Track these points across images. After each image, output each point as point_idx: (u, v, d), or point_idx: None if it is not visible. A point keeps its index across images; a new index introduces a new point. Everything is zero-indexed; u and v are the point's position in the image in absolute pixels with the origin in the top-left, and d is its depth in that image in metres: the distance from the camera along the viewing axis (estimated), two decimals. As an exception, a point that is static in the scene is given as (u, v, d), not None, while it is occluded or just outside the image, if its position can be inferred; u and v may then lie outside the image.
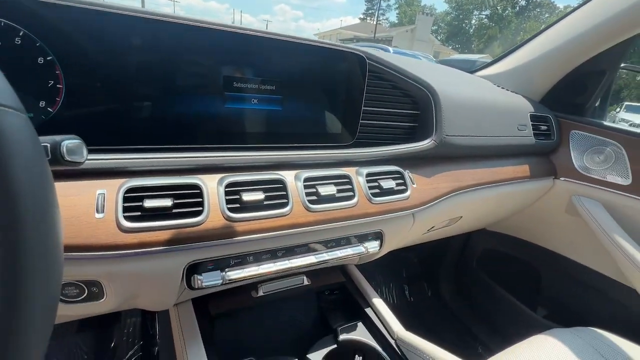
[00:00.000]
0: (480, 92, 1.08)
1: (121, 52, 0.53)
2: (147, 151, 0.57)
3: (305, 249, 0.68)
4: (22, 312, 0.23)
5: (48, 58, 0.50)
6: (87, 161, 0.53)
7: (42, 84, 0.50)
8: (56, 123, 0.52)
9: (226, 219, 0.57)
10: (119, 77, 0.54)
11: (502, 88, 1.24)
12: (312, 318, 0.84)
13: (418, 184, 0.82)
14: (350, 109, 0.78)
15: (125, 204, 0.51)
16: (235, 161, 0.63)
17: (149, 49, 0.55)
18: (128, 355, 1.18)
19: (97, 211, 0.50)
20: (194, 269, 0.57)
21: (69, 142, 0.33)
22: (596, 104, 1.25)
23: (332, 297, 0.86)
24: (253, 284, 0.75)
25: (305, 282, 0.79)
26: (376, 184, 0.74)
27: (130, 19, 0.53)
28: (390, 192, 0.75)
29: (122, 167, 0.54)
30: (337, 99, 0.76)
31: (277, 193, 0.63)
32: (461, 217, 1.04)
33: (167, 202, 0.53)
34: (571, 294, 1.29)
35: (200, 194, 0.56)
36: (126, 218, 0.50)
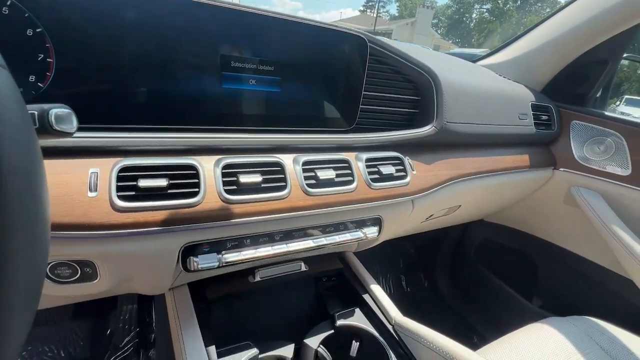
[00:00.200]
0: (482, 80, 1.06)
1: (115, 26, 0.51)
2: (141, 130, 0.55)
3: (303, 233, 0.67)
4: (2, 293, 0.21)
5: (37, 30, 0.48)
6: (79, 139, 0.52)
7: (32, 58, 0.48)
8: (47, 99, 0.50)
9: (223, 201, 0.56)
10: (113, 53, 0.52)
11: (504, 77, 1.22)
12: (309, 304, 0.84)
13: (418, 171, 0.81)
14: (350, 93, 0.76)
15: (119, 183, 0.50)
16: (233, 143, 0.62)
17: (144, 24, 0.53)
18: (124, 342, 1.18)
19: (90, 190, 0.48)
20: (189, 251, 0.56)
21: (58, 110, 0.32)
22: (597, 95, 1.24)
23: (330, 284, 0.85)
24: (250, 269, 0.75)
25: (303, 268, 0.78)
26: (376, 169, 0.73)
27: (123, -9, 0.51)
28: (389, 177, 0.74)
29: (115, 146, 0.53)
30: (337, 83, 0.75)
31: (275, 176, 0.61)
32: (460, 206, 1.03)
33: (162, 182, 0.52)
34: (568, 285, 1.30)
35: (196, 175, 0.55)
36: (120, 197, 0.49)
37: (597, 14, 1.05)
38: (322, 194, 0.65)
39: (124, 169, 0.51)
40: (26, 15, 0.47)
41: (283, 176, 0.62)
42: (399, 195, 0.75)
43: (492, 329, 1.46)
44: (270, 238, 0.63)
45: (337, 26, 0.71)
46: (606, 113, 1.13)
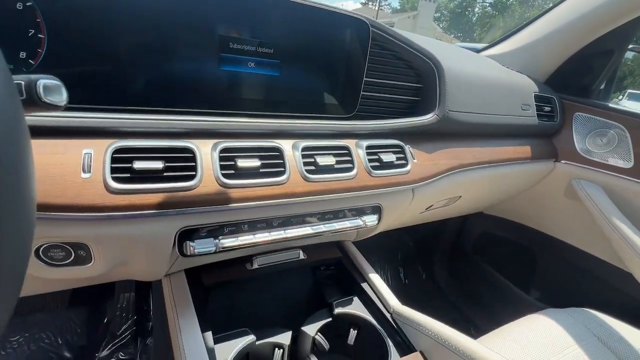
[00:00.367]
0: (485, 70, 1.05)
1: (109, 2, 0.50)
2: (137, 112, 0.54)
3: (301, 219, 0.66)
4: None
5: (28, 4, 0.46)
6: (73, 119, 0.50)
7: (22, 33, 0.47)
8: (38, 77, 0.48)
9: (220, 185, 0.54)
10: (107, 31, 0.51)
11: (507, 68, 1.21)
12: (307, 292, 0.83)
13: (419, 159, 0.80)
14: (351, 79, 0.75)
15: (114, 165, 0.48)
16: (230, 127, 0.60)
17: (141, 0, 0.51)
18: (122, 330, 1.18)
19: (84, 171, 0.47)
20: (186, 236, 0.55)
21: (47, 81, 0.30)
22: (601, 87, 1.23)
23: (328, 272, 0.85)
24: (248, 257, 0.74)
25: (301, 257, 0.78)
26: (376, 157, 0.72)
27: (117, -35, 0.49)
28: (390, 165, 0.73)
29: (110, 127, 0.51)
30: (338, 68, 0.73)
31: (273, 161, 0.60)
32: (460, 196, 1.02)
33: (158, 165, 0.50)
34: (566, 278, 1.30)
35: (193, 158, 0.54)
36: (114, 179, 0.48)
37: (603, 3, 1.03)
38: (322, 180, 0.63)
39: (119, 151, 0.49)
40: (16, -13, 0.45)
41: (282, 161, 0.61)
42: (399, 184, 0.74)
43: (489, 321, 1.47)
44: (268, 224, 0.62)
45: (339, 9, 0.69)
46: (610, 105, 1.12)
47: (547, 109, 1.13)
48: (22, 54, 0.47)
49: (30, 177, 0.25)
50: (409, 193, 0.79)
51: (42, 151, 0.46)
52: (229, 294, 0.73)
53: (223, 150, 0.56)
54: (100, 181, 0.47)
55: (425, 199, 0.88)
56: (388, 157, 0.73)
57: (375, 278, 0.77)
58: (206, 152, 0.56)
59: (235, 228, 0.59)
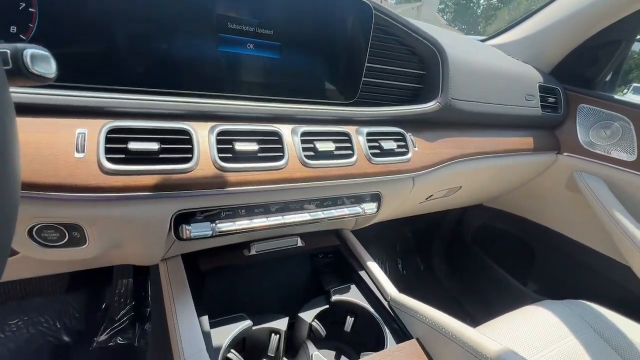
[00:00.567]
0: (489, 59, 1.02)
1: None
2: (132, 92, 0.53)
3: (300, 205, 0.65)
4: None
5: (17, -25, 0.44)
6: (66, 97, 0.49)
7: (13, 6, 0.45)
8: (30, 53, 0.47)
9: (217, 168, 0.53)
10: (101, 6, 0.49)
11: (512, 58, 1.18)
12: (304, 279, 0.83)
13: (420, 148, 0.79)
14: (353, 64, 0.73)
15: (108, 145, 0.47)
16: (228, 110, 0.59)
17: (134, -25, 0.50)
18: (120, 315, 1.18)
19: (77, 151, 0.46)
20: (182, 219, 0.55)
21: (34, 51, 0.29)
22: (607, 79, 1.21)
23: (326, 260, 0.85)
24: (245, 243, 0.73)
25: (299, 244, 0.77)
26: (377, 144, 0.71)
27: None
28: (390, 153, 0.72)
29: (104, 107, 0.50)
30: (340, 52, 0.71)
31: (272, 145, 0.59)
32: (460, 187, 1.02)
33: (154, 146, 0.49)
34: (564, 271, 1.30)
35: (189, 140, 0.52)
36: (109, 160, 0.47)
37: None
38: (321, 166, 0.62)
39: (113, 131, 0.48)
40: (5, -43, 0.43)
41: (280, 146, 0.60)
42: (399, 172, 0.73)
43: (486, 312, 1.48)
44: (265, 209, 0.62)
45: (342, -10, 0.67)
46: (615, 97, 1.10)
47: (551, 100, 1.11)
48: (13, 29, 0.46)
49: (13, 151, 0.24)
50: (409, 182, 0.78)
51: (34, 130, 0.45)
52: (226, 279, 0.73)
53: (220, 133, 0.55)
54: (94, 161, 0.46)
55: (426, 189, 0.87)
56: (389, 145, 0.72)
57: (373, 266, 0.77)
58: (203, 135, 0.55)
59: (233, 212, 0.58)
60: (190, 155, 0.52)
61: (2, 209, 0.22)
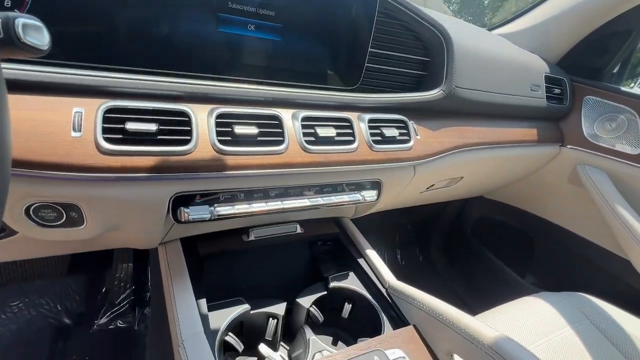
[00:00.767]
0: (496, 47, 1.00)
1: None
2: (129, 72, 0.52)
3: (299, 191, 0.65)
4: None
5: (11, -54, 0.43)
6: (63, 75, 0.48)
7: (7, -21, 0.44)
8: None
9: (216, 151, 0.53)
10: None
11: (519, 47, 1.16)
12: (303, 266, 0.83)
13: (422, 136, 0.78)
14: (356, 49, 0.72)
15: (105, 125, 0.46)
16: (228, 93, 0.58)
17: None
18: (120, 299, 1.19)
19: (74, 130, 0.45)
20: (181, 202, 0.54)
21: (26, 20, 0.28)
22: (614, 70, 1.18)
23: (325, 248, 0.84)
24: (244, 228, 0.73)
25: (299, 231, 0.77)
26: (378, 131, 0.70)
27: None
28: (392, 140, 0.71)
29: (101, 86, 0.49)
30: (343, 36, 0.70)
31: (272, 130, 0.58)
32: (462, 177, 1.01)
33: (152, 127, 0.48)
34: (563, 264, 1.30)
35: (188, 122, 0.52)
36: (106, 140, 0.46)
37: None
38: (321, 152, 0.62)
39: (111, 110, 0.47)
40: None
41: (281, 130, 0.59)
42: (400, 160, 0.72)
43: (484, 303, 1.49)
44: (265, 194, 0.61)
45: (346, -29, 0.65)
46: (622, 89, 1.08)
47: (556, 91, 1.09)
48: (7, 3, 0.45)
49: (2, 126, 0.23)
50: (410, 170, 0.77)
51: (31, 107, 0.44)
52: (225, 264, 0.73)
53: (220, 116, 0.54)
54: (92, 141, 0.46)
55: (427, 178, 0.86)
56: (390, 132, 0.71)
57: (372, 254, 0.77)
58: (202, 117, 0.54)
59: (231, 196, 0.58)
60: (189, 138, 0.51)
61: None
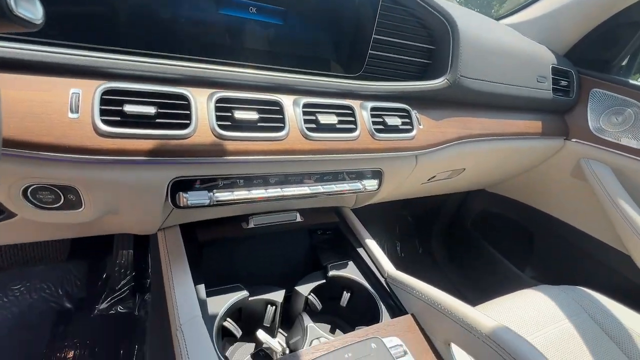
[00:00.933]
0: (502, 37, 0.98)
1: None
2: (128, 54, 0.50)
3: (299, 179, 0.64)
4: None
5: None
6: (60, 55, 0.47)
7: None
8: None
9: (216, 136, 0.52)
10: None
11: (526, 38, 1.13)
12: (302, 255, 0.83)
13: (425, 126, 0.76)
14: (360, 36, 0.70)
15: (103, 107, 0.46)
16: (228, 77, 0.57)
17: None
18: (120, 285, 1.20)
19: (71, 111, 0.45)
20: (180, 187, 0.54)
21: (18, -9, 0.27)
22: (623, 63, 1.16)
23: (325, 237, 0.84)
24: (244, 216, 0.73)
25: (298, 219, 0.77)
26: (381, 119, 0.69)
27: None
28: (394, 129, 0.70)
29: (99, 67, 0.48)
30: (347, 22, 0.68)
31: (272, 115, 0.57)
32: (464, 169, 1.00)
33: (150, 110, 0.48)
34: (563, 258, 1.30)
35: (187, 106, 0.51)
36: (104, 122, 0.45)
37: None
38: (322, 139, 0.61)
39: (109, 92, 0.47)
40: None
41: (281, 117, 0.58)
42: (402, 149, 0.71)
43: (483, 296, 1.49)
44: (264, 181, 0.61)
45: (350, -47, 0.63)
46: (631, 81, 1.06)
47: (563, 83, 1.07)
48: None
49: None
50: (412, 160, 0.77)
51: (27, 87, 0.44)
52: (224, 251, 0.73)
53: (219, 101, 0.54)
54: (89, 123, 0.45)
55: (428, 168, 0.86)
56: (393, 121, 0.70)
57: (372, 244, 0.76)
58: (201, 101, 0.53)
59: (231, 182, 0.57)
60: (188, 122, 0.50)
61: None
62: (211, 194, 0.55)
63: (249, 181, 0.59)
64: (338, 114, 0.64)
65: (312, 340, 0.61)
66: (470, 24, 0.83)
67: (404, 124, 0.72)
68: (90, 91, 0.46)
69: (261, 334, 0.63)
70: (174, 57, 0.54)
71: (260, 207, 0.73)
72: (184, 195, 0.53)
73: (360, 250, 0.76)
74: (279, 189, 0.61)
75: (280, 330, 0.72)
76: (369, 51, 0.72)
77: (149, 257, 1.26)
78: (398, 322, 0.59)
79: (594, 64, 1.13)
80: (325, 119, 0.62)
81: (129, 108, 0.47)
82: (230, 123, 0.53)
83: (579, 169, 1.13)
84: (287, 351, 0.63)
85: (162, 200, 0.54)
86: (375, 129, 0.67)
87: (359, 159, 0.67)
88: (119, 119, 0.47)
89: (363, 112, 0.68)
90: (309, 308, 0.71)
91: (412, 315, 0.60)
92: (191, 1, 0.54)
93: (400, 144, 0.71)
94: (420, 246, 1.74)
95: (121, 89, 0.47)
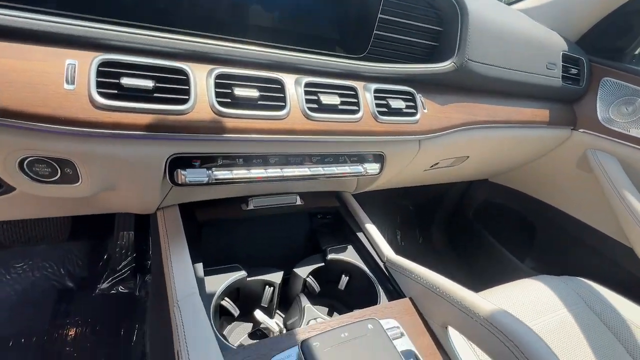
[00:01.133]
0: (513, 21, 0.95)
1: None
2: (126, 26, 0.49)
3: (300, 159, 0.63)
4: None
5: None
6: (56, 24, 0.46)
7: None
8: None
9: (215, 113, 0.51)
10: None
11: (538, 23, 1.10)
12: (302, 238, 0.83)
13: (429, 110, 0.75)
14: (366, 15, 0.68)
15: (99, 79, 0.45)
16: (228, 53, 0.55)
17: None
18: (121, 266, 1.21)
19: (67, 82, 0.44)
20: (178, 164, 0.53)
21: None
22: (637, 51, 1.13)
23: (325, 221, 0.84)
24: (244, 198, 0.72)
25: (298, 202, 0.76)
26: (384, 102, 0.67)
27: None
28: (398, 112, 0.69)
29: (95, 38, 0.47)
30: (352, 0, 0.66)
31: (273, 94, 0.56)
32: (468, 157, 0.98)
33: (148, 83, 0.47)
34: (565, 250, 1.29)
35: (186, 81, 0.50)
36: (100, 94, 0.44)
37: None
38: (324, 120, 0.60)
39: (105, 64, 0.45)
40: None
41: (282, 95, 0.57)
42: (406, 133, 0.70)
43: (482, 286, 1.49)
44: (264, 160, 0.60)
45: None
46: (644, 70, 1.03)
47: (573, 71, 1.04)
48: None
49: None
50: (415, 144, 0.75)
51: (22, 56, 0.43)
52: (223, 232, 0.73)
53: (219, 77, 0.52)
54: (85, 95, 0.44)
55: (432, 154, 0.84)
56: (397, 104, 0.68)
57: (372, 228, 0.76)
58: (201, 77, 0.52)
59: (230, 161, 0.57)
60: (187, 97, 0.49)
61: None
62: (210, 172, 0.54)
63: (249, 160, 0.58)
64: (341, 95, 0.62)
65: (309, 321, 0.61)
66: (480, 6, 0.80)
67: (408, 107, 0.70)
68: (87, 62, 0.45)
69: (259, 314, 0.63)
70: (173, 31, 0.53)
71: (260, 189, 0.72)
72: (182, 172, 0.52)
73: (360, 235, 0.76)
74: (278, 170, 0.60)
75: (278, 311, 0.73)
76: (374, 31, 0.70)
77: (149, 239, 1.27)
78: (396, 304, 0.59)
79: (606, 52, 1.10)
80: (327, 99, 0.60)
81: (126, 81, 0.45)
82: (230, 100, 0.52)
83: (584, 160, 1.12)
84: (285, 331, 0.63)
85: (160, 177, 0.53)
86: (378, 112, 0.66)
87: (360, 141, 0.66)
88: (116, 92, 0.46)
89: (366, 94, 0.66)
90: (307, 290, 0.71)
91: (410, 298, 0.60)
92: (191, -28, 0.52)
93: (403, 127, 0.69)
94: (420, 235, 1.74)
95: (118, 61, 0.46)
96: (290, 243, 0.82)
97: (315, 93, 0.60)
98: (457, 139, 0.84)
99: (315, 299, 0.72)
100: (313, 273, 0.71)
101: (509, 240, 1.44)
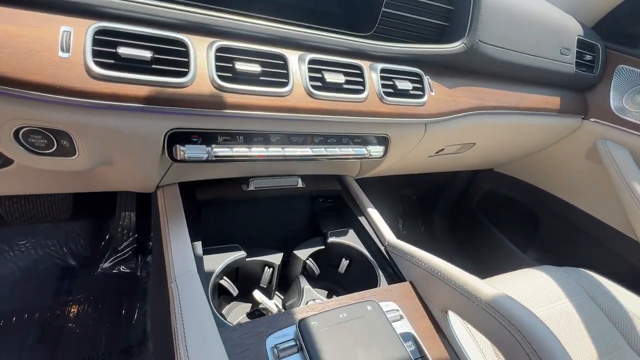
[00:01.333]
0: (528, 3, 0.91)
1: None
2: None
3: (302, 139, 0.62)
4: None
5: None
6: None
7: None
8: None
9: (215, 87, 0.49)
10: None
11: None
12: (302, 221, 0.82)
13: (437, 93, 0.72)
14: (373, -10, 0.65)
15: (96, 48, 0.43)
16: (230, 25, 0.53)
17: None
18: (123, 246, 1.22)
19: (62, 50, 0.42)
20: (177, 139, 0.52)
21: None
22: (655, 39, 1.08)
23: (326, 205, 0.83)
24: (244, 178, 0.71)
25: (300, 185, 0.75)
26: (390, 82, 0.65)
27: None
28: (405, 94, 0.66)
29: (91, 4, 0.45)
30: (360, -28, 0.63)
31: (276, 70, 0.54)
32: (474, 144, 0.96)
33: (146, 54, 0.45)
34: (569, 241, 1.28)
35: (185, 53, 0.48)
36: (97, 64, 0.43)
37: None
38: (328, 99, 0.58)
39: (101, 32, 0.44)
40: None
41: (285, 72, 0.55)
42: (412, 115, 0.68)
43: (484, 275, 1.49)
44: (265, 139, 0.58)
45: None
46: (661, 58, 0.99)
47: (587, 57, 1.01)
48: None
49: None
50: (420, 128, 0.73)
51: (15, 21, 0.41)
52: (223, 212, 0.72)
53: (220, 50, 0.50)
54: (81, 64, 0.42)
55: (437, 139, 0.82)
56: (403, 85, 0.66)
57: (373, 212, 0.75)
58: (201, 49, 0.50)
59: (230, 138, 0.55)
60: (186, 70, 0.47)
61: None
62: (209, 148, 0.53)
63: (249, 138, 0.57)
64: (346, 74, 0.60)
65: (308, 302, 0.61)
66: (495, -15, 0.77)
67: (415, 89, 0.68)
68: (82, 30, 0.43)
69: (257, 294, 0.63)
70: (173, 1, 0.50)
71: (261, 170, 0.71)
72: (182, 148, 0.51)
73: (362, 219, 0.75)
74: (280, 149, 0.59)
75: (277, 293, 0.73)
76: (382, 9, 0.67)
77: (151, 221, 1.27)
78: (396, 288, 0.58)
79: (624, 38, 1.05)
80: (332, 77, 0.58)
81: (123, 50, 0.44)
82: (230, 74, 0.51)
83: (594, 151, 1.09)
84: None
85: (158, 152, 0.52)
86: (384, 92, 0.64)
87: (365, 122, 0.64)
88: (112, 61, 0.44)
89: (372, 74, 0.64)
90: (306, 272, 0.71)
91: (411, 282, 0.59)
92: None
93: (409, 109, 0.67)
94: (422, 225, 1.73)
95: (115, 30, 0.44)
96: (291, 225, 0.81)
97: (319, 70, 0.58)
98: (465, 124, 0.81)
99: (314, 282, 0.71)
100: (313, 256, 0.70)
101: (513, 231, 1.43)
